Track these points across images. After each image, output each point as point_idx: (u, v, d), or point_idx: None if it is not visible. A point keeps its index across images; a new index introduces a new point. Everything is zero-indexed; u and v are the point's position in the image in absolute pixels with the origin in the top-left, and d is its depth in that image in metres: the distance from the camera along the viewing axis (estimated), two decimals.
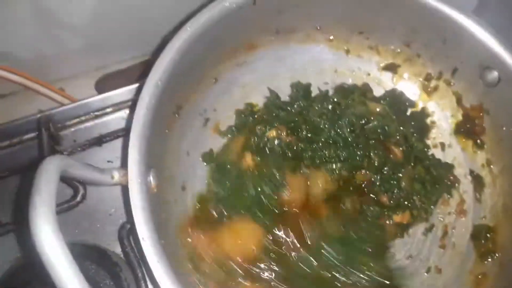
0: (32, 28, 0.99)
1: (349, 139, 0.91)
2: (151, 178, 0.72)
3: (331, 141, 0.91)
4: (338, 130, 0.91)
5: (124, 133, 0.92)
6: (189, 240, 0.81)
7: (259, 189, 0.86)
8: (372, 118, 0.93)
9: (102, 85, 1.15)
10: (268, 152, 0.90)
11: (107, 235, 0.88)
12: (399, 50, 1.00)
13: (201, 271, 0.80)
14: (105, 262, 0.82)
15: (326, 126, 0.92)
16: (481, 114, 0.95)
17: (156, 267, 0.64)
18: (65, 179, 0.82)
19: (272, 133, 0.91)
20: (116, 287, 0.81)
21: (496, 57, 0.86)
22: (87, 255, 0.82)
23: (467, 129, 0.97)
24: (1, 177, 0.89)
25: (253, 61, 0.97)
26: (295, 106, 0.95)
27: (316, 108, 0.94)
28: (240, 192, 0.87)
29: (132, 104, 0.94)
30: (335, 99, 0.96)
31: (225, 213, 0.86)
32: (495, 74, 0.87)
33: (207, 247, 0.81)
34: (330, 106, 0.95)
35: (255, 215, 0.85)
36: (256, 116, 0.96)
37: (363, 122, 0.93)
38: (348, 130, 0.92)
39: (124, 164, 0.68)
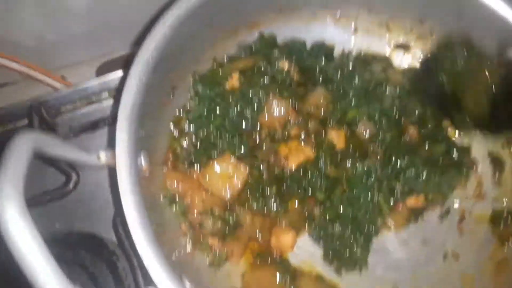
0: (34, 13, 0.96)
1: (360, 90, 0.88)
2: (142, 161, 0.68)
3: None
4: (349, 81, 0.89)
5: (111, 120, 0.89)
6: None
7: (238, 109, 0.84)
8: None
9: (103, 72, 1.11)
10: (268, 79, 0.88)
11: (104, 223, 0.84)
12: (411, 27, 0.94)
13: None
14: (101, 251, 0.80)
15: (338, 77, 0.89)
16: None
17: (147, 255, 0.60)
18: (56, 165, 0.79)
19: (284, 64, 0.88)
20: (113, 276, 0.78)
21: None
22: (82, 244, 0.80)
23: None
24: None
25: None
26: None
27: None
28: (219, 111, 0.84)
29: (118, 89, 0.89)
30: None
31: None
32: None
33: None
34: (350, 65, 0.91)
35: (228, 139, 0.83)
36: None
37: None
38: (360, 83, 0.88)
39: (111, 145, 0.64)
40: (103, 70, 1.12)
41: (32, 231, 0.44)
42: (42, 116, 0.83)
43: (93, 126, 0.89)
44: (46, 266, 0.44)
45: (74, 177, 0.80)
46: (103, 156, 0.63)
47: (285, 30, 0.93)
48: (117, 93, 0.91)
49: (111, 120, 0.87)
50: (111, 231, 0.82)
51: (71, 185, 0.80)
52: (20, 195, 0.44)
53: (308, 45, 0.93)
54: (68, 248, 0.79)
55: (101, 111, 0.92)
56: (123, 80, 0.68)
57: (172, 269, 0.61)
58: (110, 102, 0.93)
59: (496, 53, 0.83)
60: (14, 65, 0.98)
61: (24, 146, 0.48)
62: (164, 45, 0.71)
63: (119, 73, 0.93)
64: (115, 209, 0.79)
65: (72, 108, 0.91)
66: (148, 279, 0.60)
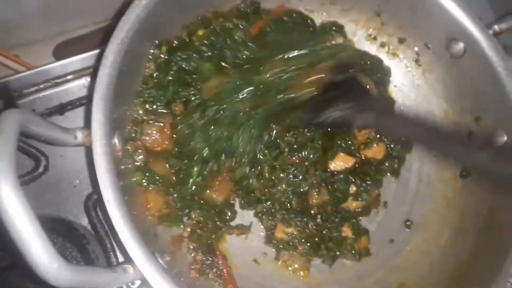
0: None
1: None
2: (116, 141, 0.68)
3: None
4: None
5: (87, 100, 0.88)
6: None
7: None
8: None
9: (60, 52, 1.07)
10: None
11: (72, 207, 0.84)
12: (368, 19, 0.98)
13: None
14: (71, 235, 0.79)
15: None
16: None
17: (123, 231, 0.61)
18: (25, 150, 0.78)
19: None
20: (84, 259, 0.78)
21: (462, 29, 0.85)
22: (52, 228, 0.79)
23: None
24: None
25: None
26: None
27: None
28: None
29: (94, 70, 0.89)
30: None
31: None
32: (461, 45, 0.87)
33: None
34: None
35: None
36: None
37: None
38: None
39: (87, 125, 0.64)
40: (60, 49, 1.09)
41: (24, 206, 0.44)
42: (5, 98, 0.81)
43: (59, 108, 0.87)
44: (37, 240, 0.46)
45: (43, 161, 0.79)
46: (80, 135, 0.63)
47: None
48: (93, 73, 0.90)
49: (88, 100, 0.86)
50: (80, 215, 0.84)
51: (40, 169, 0.78)
52: (13, 173, 0.44)
53: None
54: None
55: (66, 94, 0.90)
56: (98, 60, 0.67)
57: (146, 245, 0.62)
58: (74, 84, 0.91)
59: (444, 47, 0.89)
60: None
61: (12, 124, 0.47)
62: (138, 25, 0.71)
63: (83, 56, 0.91)
64: (92, 187, 0.78)
65: (35, 91, 0.88)
66: (126, 256, 0.61)
